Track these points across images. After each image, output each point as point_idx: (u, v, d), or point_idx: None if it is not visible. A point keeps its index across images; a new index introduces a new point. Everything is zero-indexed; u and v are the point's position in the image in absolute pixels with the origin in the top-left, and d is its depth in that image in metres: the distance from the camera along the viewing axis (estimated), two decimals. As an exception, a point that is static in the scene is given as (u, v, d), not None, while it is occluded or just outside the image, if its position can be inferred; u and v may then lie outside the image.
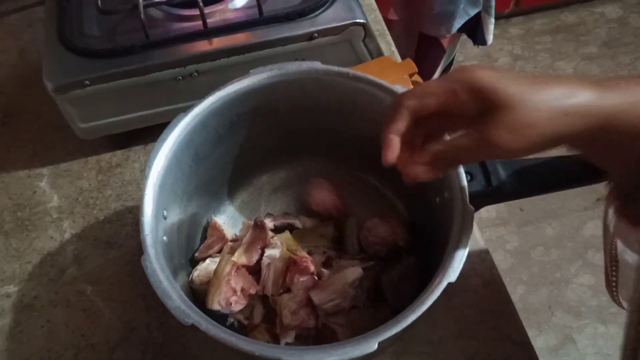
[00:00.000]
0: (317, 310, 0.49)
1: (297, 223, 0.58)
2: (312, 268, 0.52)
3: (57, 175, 0.68)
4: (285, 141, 0.60)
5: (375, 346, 0.38)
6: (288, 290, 0.51)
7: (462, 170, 0.46)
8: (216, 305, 0.49)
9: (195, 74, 0.62)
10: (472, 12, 1.03)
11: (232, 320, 0.52)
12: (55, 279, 0.60)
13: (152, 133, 0.68)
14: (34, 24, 0.85)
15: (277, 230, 0.56)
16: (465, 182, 0.45)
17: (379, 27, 0.80)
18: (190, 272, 0.54)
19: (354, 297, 0.50)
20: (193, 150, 0.52)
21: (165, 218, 0.48)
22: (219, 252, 0.56)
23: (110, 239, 0.62)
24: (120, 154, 0.70)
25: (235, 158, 0.59)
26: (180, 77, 0.62)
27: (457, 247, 0.42)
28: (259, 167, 0.63)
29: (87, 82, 0.59)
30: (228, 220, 0.61)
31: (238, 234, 0.58)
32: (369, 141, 0.56)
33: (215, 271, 0.50)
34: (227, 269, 0.50)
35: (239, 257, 0.53)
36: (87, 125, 0.64)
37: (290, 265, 0.52)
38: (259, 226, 0.53)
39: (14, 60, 0.81)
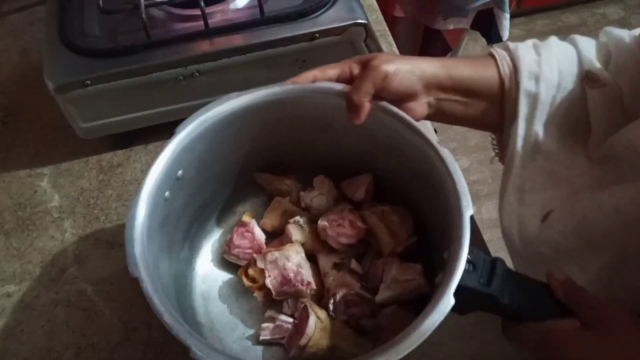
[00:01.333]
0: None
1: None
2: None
3: (58, 174, 0.68)
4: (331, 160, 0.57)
5: None
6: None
7: (464, 254, 0.39)
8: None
9: (197, 74, 0.62)
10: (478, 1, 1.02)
11: None
12: (55, 278, 0.60)
13: (153, 133, 0.68)
14: (35, 23, 0.85)
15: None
16: (460, 268, 0.38)
17: (380, 27, 0.80)
18: (189, 239, 0.55)
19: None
20: (234, 131, 0.51)
21: (178, 179, 0.48)
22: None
23: (111, 238, 0.62)
24: (121, 154, 0.70)
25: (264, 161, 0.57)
26: (181, 77, 0.62)
27: (414, 330, 0.36)
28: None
29: (88, 81, 0.59)
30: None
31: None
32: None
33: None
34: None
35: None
36: (88, 124, 0.64)
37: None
38: None
39: (15, 59, 0.81)
